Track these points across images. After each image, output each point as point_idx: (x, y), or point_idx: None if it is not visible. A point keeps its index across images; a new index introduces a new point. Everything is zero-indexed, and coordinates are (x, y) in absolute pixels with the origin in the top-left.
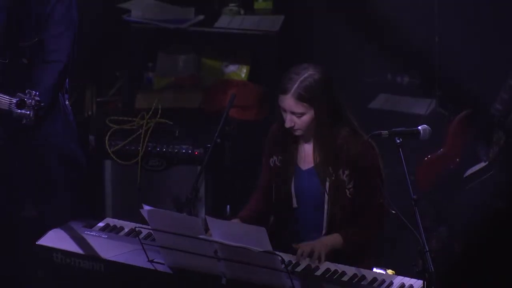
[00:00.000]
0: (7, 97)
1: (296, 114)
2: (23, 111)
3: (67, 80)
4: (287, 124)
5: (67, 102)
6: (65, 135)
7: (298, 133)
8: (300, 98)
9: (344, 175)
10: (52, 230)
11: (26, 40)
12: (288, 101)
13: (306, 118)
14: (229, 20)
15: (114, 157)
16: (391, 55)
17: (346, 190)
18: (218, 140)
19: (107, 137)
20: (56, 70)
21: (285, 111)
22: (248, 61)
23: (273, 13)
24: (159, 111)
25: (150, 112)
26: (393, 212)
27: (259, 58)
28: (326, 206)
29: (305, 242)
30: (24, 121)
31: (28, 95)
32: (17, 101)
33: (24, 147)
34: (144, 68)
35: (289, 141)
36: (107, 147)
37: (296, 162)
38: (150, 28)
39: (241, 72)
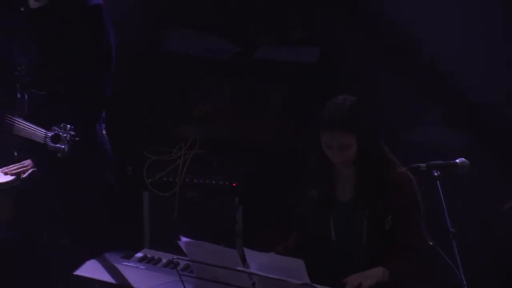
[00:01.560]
0: (43, 130)
1: (345, 147)
2: (58, 145)
3: (104, 110)
4: (338, 160)
5: (104, 132)
6: (101, 165)
7: (343, 166)
8: (348, 129)
9: (383, 208)
10: (90, 260)
11: (63, 71)
12: (337, 135)
13: (354, 149)
14: (266, 51)
15: (152, 188)
16: (428, 87)
17: (385, 223)
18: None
19: (145, 168)
20: (95, 107)
21: (331, 147)
22: (285, 92)
23: (311, 45)
24: (197, 142)
25: (188, 143)
26: (431, 244)
27: (295, 89)
28: (364, 239)
29: (353, 275)
30: (59, 155)
31: (63, 129)
32: (52, 135)
33: (59, 177)
34: (182, 98)
35: (328, 173)
36: (145, 178)
37: (335, 195)
38: (187, 59)
39: (278, 102)
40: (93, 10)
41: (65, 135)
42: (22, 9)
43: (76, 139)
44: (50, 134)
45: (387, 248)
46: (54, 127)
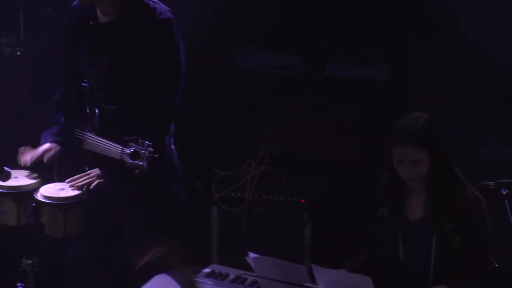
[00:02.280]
0: (120, 146)
1: (416, 163)
2: (136, 162)
3: (172, 124)
4: (409, 177)
5: (172, 146)
6: (170, 179)
7: (414, 183)
8: (421, 145)
9: (452, 228)
10: (158, 275)
11: (133, 85)
12: (409, 151)
13: (425, 165)
14: (337, 68)
15: (220, 203)
16: (498, 105)
17: (453, 243)
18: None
19: (213, 183)
20: (164, 121)
21: (402, 161)
22: (355, 109)
23: (381, 62)
24: (266, 158)
25: (257, 159)
26: (498, 266)
27: (365, 106)
28: (433, 258)
29: None
30: (136, 172)
31: (140, 145)
32: (131, 152)
33: (129, 191)
34: (251, 114)
35: (399, 191)
36: (214, 193)
37: (405, 214)
38: (258, 75)
39: (348, 119)
40: (163, 24)
41: (143, 151)
42: (91, 23)
43: (155, 155)
44: (127, 150)
45: (455, 268)
46: (131, 143)
